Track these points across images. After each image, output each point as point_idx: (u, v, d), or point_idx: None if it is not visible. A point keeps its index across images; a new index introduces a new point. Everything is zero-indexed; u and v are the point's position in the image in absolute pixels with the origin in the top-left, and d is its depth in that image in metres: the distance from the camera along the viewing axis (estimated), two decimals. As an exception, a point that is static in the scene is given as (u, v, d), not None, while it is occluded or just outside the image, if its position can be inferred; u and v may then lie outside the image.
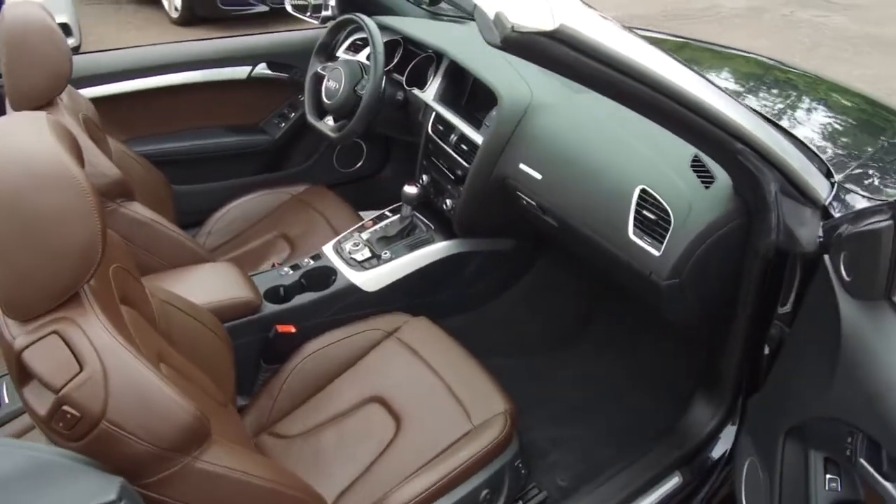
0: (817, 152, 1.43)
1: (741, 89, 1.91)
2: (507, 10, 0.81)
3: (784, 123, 1.62)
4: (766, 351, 1.39)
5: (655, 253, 1.24)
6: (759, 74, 2.05)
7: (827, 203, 1.26)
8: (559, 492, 1.52)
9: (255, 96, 2.18)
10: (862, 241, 0.96)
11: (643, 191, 1.28)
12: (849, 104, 2.02)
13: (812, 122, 1.78)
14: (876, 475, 0.86)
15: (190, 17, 5.76)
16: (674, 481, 1.44)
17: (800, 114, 1.84)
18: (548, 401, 1.74)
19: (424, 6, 2.16)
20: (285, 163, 2.33)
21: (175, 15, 5.85)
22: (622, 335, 1.95)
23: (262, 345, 1.53)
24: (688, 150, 1.35)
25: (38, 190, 0.73)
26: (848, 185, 1.38)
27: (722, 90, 1.05)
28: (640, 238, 1.27)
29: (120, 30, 5.68)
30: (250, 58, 2.08)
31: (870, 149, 1.66)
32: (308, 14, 2.21)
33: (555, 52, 0.82)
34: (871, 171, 1.51)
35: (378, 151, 2.49)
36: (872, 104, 2.02)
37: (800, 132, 1.57)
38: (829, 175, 1.36)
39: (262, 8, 5.74)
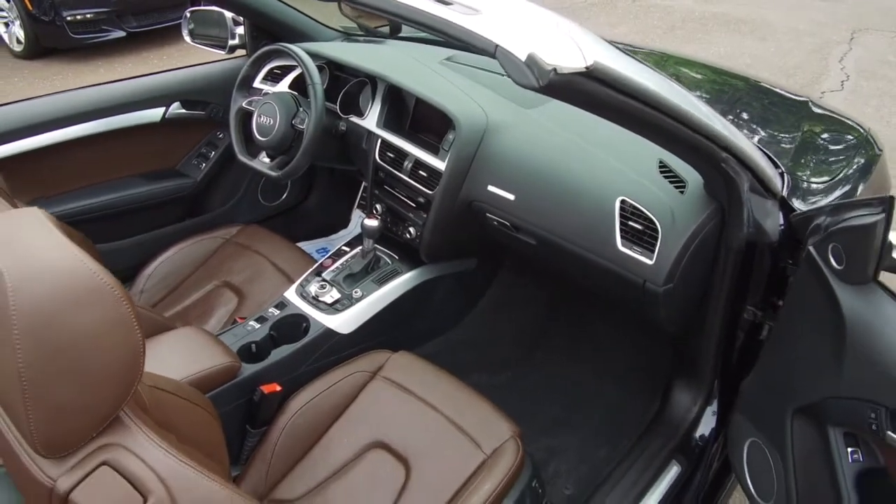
0: (764, 150, 1.54)
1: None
2: (538, 51, 0.80)
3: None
4: (741, 335, 1.48)
5: (648, 262, 1.28)
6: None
7: (785, 193, 1.35)
8: (567, 500, 1.54)
9: (170, 138, 2.02)
10: (855, 234, 1.04)
11: (623, 202, 1.32)
12: (699, 76, 2.19)
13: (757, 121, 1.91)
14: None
15: (36, 50, 5.27)
16: (673, 470, 1.50)
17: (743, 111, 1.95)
18: (534, 411, 1.76)
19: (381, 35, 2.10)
20: (210, 205, 2.18)
21: (18, 48, 5.32)
22: (585, 335, 2.01)
23: (245, 409, 1.43)
24: (652, 156, 1.40)
25: (72, 307, 0.64)
26: (795, 173, 1.51)
27: (705, 104, 1.10)
28: (630, 248, 1.30)
29: (-44, 70, 5.09)
30: (162, 98, 1.92)
31: (785, 133, 1.81)
32: (188, 30, 2.08)
33: (590, 89, 0.82)
34: (798, 160, 1.65)
35: (302, 180, 2.40)
36: (719, 73, 2.20)
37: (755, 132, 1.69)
38: (776, 165, 1.47)
39: (119, 33, 5.34)
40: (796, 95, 2.13)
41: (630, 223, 1.31)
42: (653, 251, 1.27)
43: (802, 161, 1.67)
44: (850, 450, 1.08)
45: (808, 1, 7.64)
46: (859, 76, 5.53)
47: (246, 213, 2.24)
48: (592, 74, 0.80)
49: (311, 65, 1.66)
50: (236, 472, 1.38)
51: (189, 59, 2.16)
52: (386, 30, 2.15)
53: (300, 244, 2.32)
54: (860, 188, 1.66)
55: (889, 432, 0.97)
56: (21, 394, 0.62)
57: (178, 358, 1.33)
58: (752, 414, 1.36)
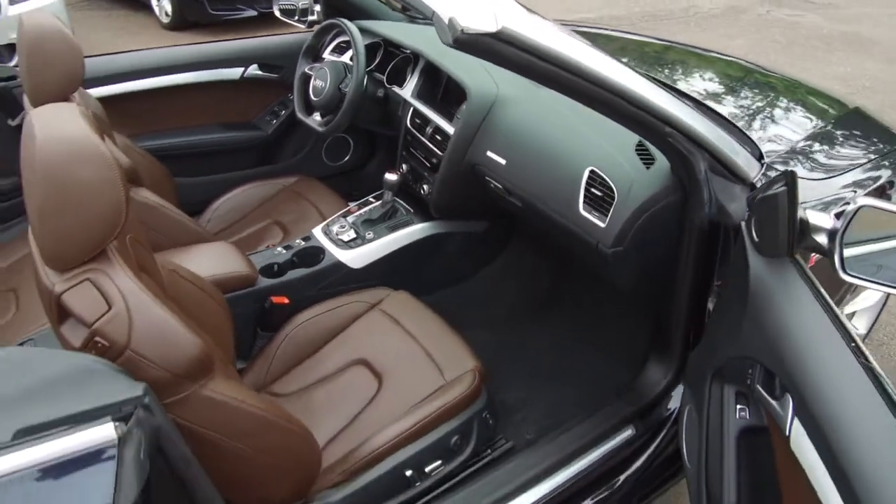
0: (751, 137, 1.61)
1: (722, 90, 2.09)
2: (459, 15, 0.99)
3: (757, 121, 1.81)
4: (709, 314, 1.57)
5: (601, 224, 1.42)
6: (740, 77, 2.22)
7: (755, 181, 1.44)
8: (525, 443, 1.70)
9: (247, 95, 2.36)
10: (765, 206, 1.14)
11: (592, 171, 1.46)
12: (823, 106, 2.19)
13: (779, 120, 1.95)
14: (765, 395, 1.04)
15: (180, 22, 5.93)
16: (627, 433, 1.60)
17: (778, 112, 2.00)
18: (520, 367, 1.92)
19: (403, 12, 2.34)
20: (277, 156, 2.50)
21: (166, 20, 6.02)
22: (585, 308, 2.13)
23: (258, 314, 1.70)
24: (633, 136, 1.52)
25: (76, 164, 0.90)
26: (777, 166, 1.57)
27: (653, 80, 1.22)
28: (589, 213, 1.45)
29: (115, 36, 5.83)
30: (243, 60, 2.26)
31: (807, 133, 1.84)
32: (295, 19, 2.39)
33: (499, 49, 0.99)
34: (800, 153, 1.70)
35: (364, 146, 2.67)
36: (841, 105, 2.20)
37: (764, 127, 1.75)
38: (760, 157, 1.54)
39: (251, 12, 5.91)
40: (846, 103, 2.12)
41: (593, 190, 1.45)
42: (606, 216, 1.41)
43: (808, 154, 1.70)
44: (738, 407, 1.16)
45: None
46: None
47: (309, 168, 2.53)
48: (500, 36, 0.98)
49: (359, 38, 1.91)
50: (244, 365, 1.65)
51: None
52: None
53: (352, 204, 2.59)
54: (861, 189, 1.67)
55: (758, 386, 1.07)
56: (38, 219, 0.90)
57: (207, 261, 1.63)
58: (690, 382, 1.46)
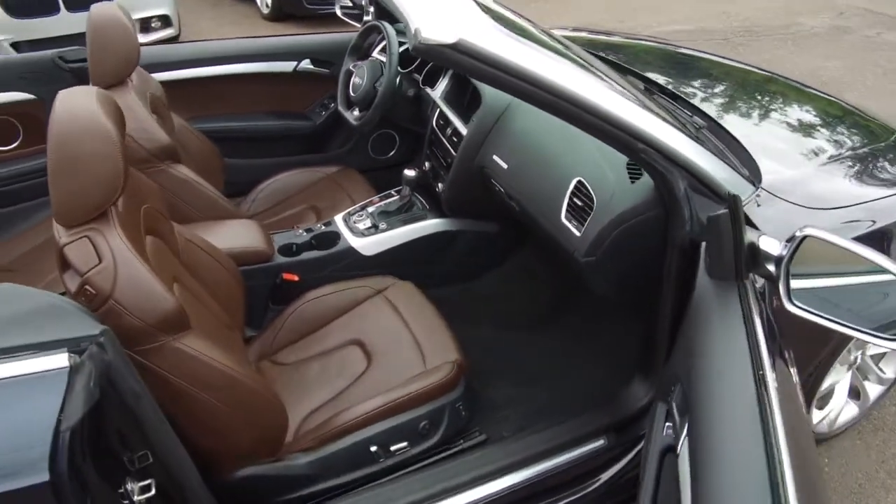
0: (755, 159, 1.60)
1: (818, 123, 2.08)
2: (423, 26, 1.08)
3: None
4: None
5: (577, 234, 1.47)
6: (839, 116, 2.18)
7: (744, 203, 1.44)
8: (498, 439, 1.76)
9: (300, 87, 2.53)
10: (711, 228, 1.16)
11: (579, 182, 1.51)
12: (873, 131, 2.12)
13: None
14: (675, 413, 1.06)
15: (278, 14, 6.29)
16: (598, 443, 1.59)
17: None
18: (514, 366, 1.98)
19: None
20: (324, 146, 2.67)
21: (266, 11, 6.40)
22: (586, 317, 2.15)
23: (270, 288, 1.86)
24: (628, 152, 1.56)
25: (82, 138, 1.06)
26: (772, 192, 1.56)
27: (631, 96, 1.26)
28: (569, 221, 1.50)
29: (218, 25, 6.26)
30: (296, 54, 2.44)
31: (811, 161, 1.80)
32: (352, 18, 2.56)
33: (456, 59, 1.08)
34: (803, 182, 1.67)
35: (409, 143, 2.78)
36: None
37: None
38: (756, 181, 1.53)
39: (346, 8, 6.17)
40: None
41: (575, 200, 1.50)
42: (584, 225, 1.46)
43: (829, 180, 1.67)
44: (667, 424, 1.18)
45: None
46: None
47: (354, 160, 2.67)
48: (457, 48, 1.07)
49: (394, 41, 2.04)
50: (254, 333, 1.81)
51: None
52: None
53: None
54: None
55: (673, 403, 1.10)
56: (52, 182, 1.06)
57: (227, 235, 1.80)
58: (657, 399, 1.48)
